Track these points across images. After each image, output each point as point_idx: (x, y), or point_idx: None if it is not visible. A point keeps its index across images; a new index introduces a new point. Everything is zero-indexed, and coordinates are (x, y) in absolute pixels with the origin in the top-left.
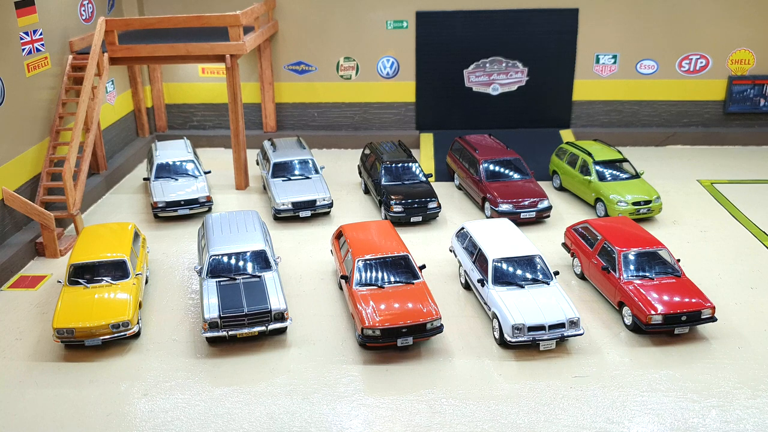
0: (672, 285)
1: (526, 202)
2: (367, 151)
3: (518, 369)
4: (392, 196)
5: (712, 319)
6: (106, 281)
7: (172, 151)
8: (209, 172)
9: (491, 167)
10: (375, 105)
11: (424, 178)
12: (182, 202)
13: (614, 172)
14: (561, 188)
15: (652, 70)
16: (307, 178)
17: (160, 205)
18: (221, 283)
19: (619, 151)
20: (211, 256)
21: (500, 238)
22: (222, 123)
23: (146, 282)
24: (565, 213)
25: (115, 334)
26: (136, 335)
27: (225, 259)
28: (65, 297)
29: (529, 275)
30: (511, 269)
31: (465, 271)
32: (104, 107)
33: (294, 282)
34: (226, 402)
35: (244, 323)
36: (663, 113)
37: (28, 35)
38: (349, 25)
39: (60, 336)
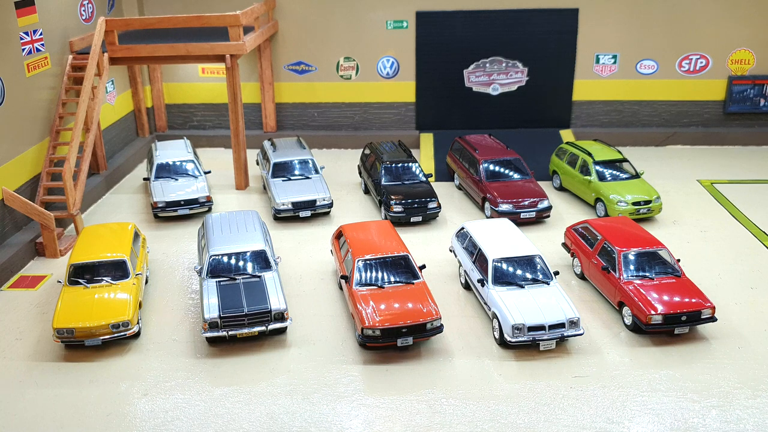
0: (672, 285)
1: (526, 202)
2: (367, 151)
3: (518, 369)
4: (392, 196)
5: (712, 319)
6: (106, 281)
7: (172, 151)
8: (209, 172)
9: (491, 167)
10: (375, 105)
11: (424, 178)
12: (182, 202)
13: (614, 172)
14: (561, 188)
15: (652, 70)
16: (307, 178)
17: (160, 205)
18: (221, 283)
19: (619, 151)
20: (211, 256)
21: (500, 238)
22: (222, 123)
23: (146, 282)
24: (565, 213)
25: (115, 334)
26: (136, 335)
27: (225, 259)
28: (65, 297)
29: (529, 275)
30: (511, 269)
31: (465, 271)
32: (104, 107)
33: (294, 282)
34: (226, 402)
35: (244, 323)
36: (663, 113)
37: (28, 35)
38: (349, 25)
39: (60, 336)
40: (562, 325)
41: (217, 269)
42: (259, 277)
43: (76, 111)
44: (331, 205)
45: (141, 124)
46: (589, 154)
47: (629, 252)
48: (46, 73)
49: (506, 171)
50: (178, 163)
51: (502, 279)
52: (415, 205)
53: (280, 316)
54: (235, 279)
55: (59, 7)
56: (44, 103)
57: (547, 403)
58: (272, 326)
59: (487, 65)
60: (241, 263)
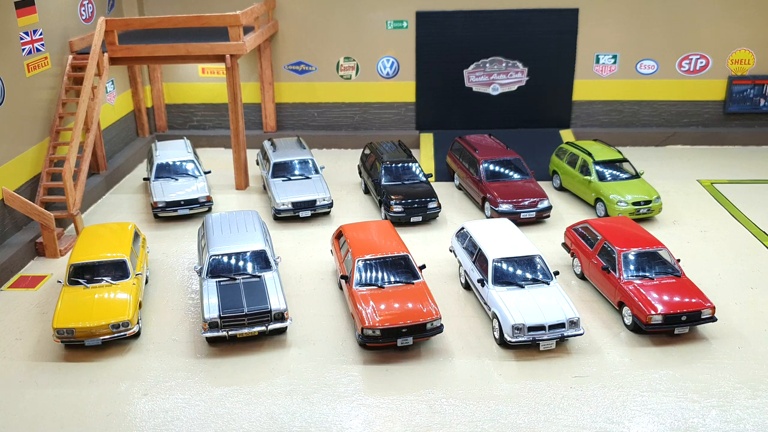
0: (672, 285)
1: (526, 202)
2: (367, 151)
3: (518, 369)
4: (392, 196)
5: (712, 319)
6: (106, 281)
7: (172, 151)
8: (209, 172)
9: (491, 167)
10: (375, 105)
11: (424, 178)
12: (182, 202)
13: (614, 172)
14: (561, 188)
15: (652, 70)
16: (307, 178)
17: (160, 205)
18: (221, 283)
19: (619, 151)
20: (211, 256)
21: (500, 238)
22: (222, 123)
23: (146, 282)
24: (565, 213)
25: (115, 334)
26: (136, 335)
27: (225, 259)
28: (65, 297)
29: (529, 275)
30: (511, 269)
31: (465, 271)
32: (104, 107)
33: (294, 282)
34: (226, 402)
35: (244, 323)
36: (663, 113)
37: (28, 35)
38: (349, 25)
39: (60, 336)
40: (562, 325)
41: (217, 269)
42: (259, 277)
43: (76, 111)
44: (331, 205)
45: (141, 124)
46: (589, 154)
47: (629, 252)
48: (46, 73)
49: (506, 171)
50: (178, 163)
51: (502, 279)
52: (415, 205)
53: (280, 316)
54: (235, 279)
55: (59, 7)
56: (44, 103)
57: (547, 403)
58: (272, 326)
59: (487, 65)
60: (241, 263)
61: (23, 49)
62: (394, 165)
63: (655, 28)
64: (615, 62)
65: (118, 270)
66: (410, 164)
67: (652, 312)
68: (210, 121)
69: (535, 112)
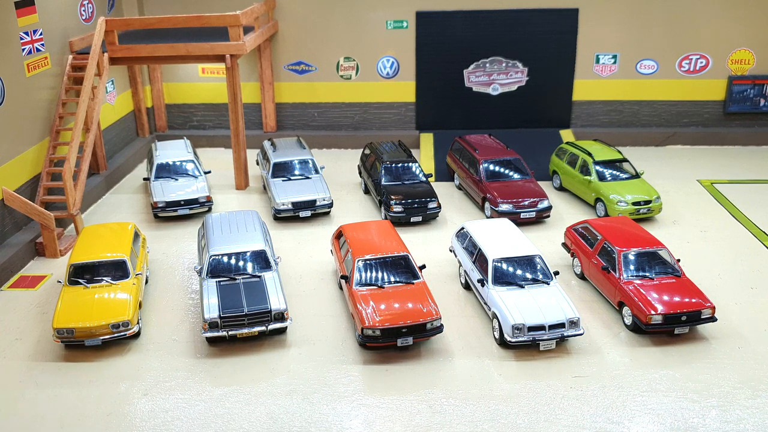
0: (672, 285)
1: (526, 202)
2: (367, 151)
3: (518, 369)
4: (392, 196)
5: (712, 319)
6: (106, 281)
7: (172, 151)
8: (209, 172)
9: (491, 167)
10: (375, 105)
11: (424, 178)
12: (182, 202)
13: (614, 172)
14: (561, 188)
15: (652, 70)
16: (307, 178)
17: (160, 205)
18: (221, 283)
19: (619, 151)
20: (211, 256)
21: (500, 238)
22: (222, 123)
23: (146, 282)
24: (565, 213)
25: (115, 334)
26: (136, 335)
27: (225, 259)
28: (65, 297)
29: (529, 275)
30: (511, 269)
31: (465, 271)
32: (104, 107)
33: (294, 282)
34: (226, 402)
35: (244, 323)
36: (663, 113)
37: (28, 35)
38: (349, 25)
39: (60, 336)
40: (562, 325)
41: (217, 269)
42: (259, 277)
43: (76, 111)
44: (331, 205)
45: (141, 124)
46: (589, 154)
47: (629, 252)
48: (46, 73)
49: (506, 171)
50: (178, 163)
51: (502, 279)
52: (415, 205)
53: (280, 316)
54: (235, 279)
55: (59, 7)
56: (44, 103)
57: (547, 403)
58: (272, 326)
59: (487, 65)
60: (241, 263)
61: (23, 49)
62: (394, 165)
63: (655, 28)
64: (615, 62)
65: (118, 270)
66: (410, 164)
67: (652, 312)
68: (210, 121)
69: (535, 112)
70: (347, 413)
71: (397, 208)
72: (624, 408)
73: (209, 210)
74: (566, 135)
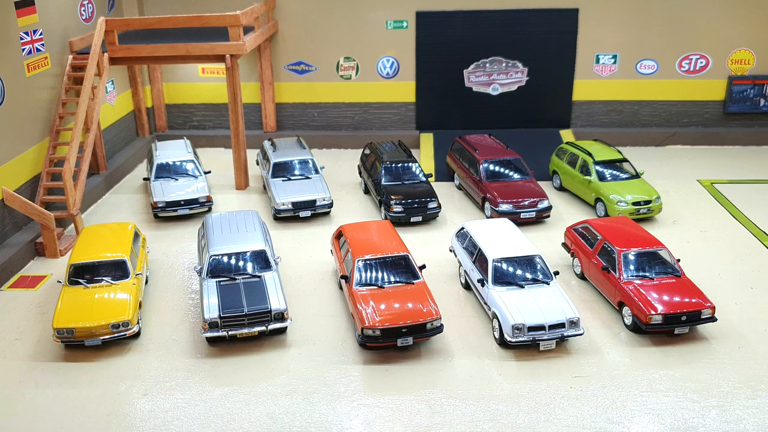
0: (672, 285)
1: (526, 202)
2: (367, 151)
3: (518, 369)
4: (392, 196)
5: (712, 319)
6: (106, 281)
7: (172, 151)
8: (209, 172)
9: (491, 167)
10: (375, 105)
11: (424, 178)
12: (182, 202)
13: (614, 172)
14: (561, 188)
15: (652, 70)
16: (307, 178)
17: (160, 205)
18: (221, 283)
19: (619, 151)
20: (211, 256)
21: (500, 238)
22: (222, 123)
23: (146, 282)
24: (565, 213)
25: (115, 334)
26: (136, 335)
27: (225, 259)
28: (65, 297)
29: (529, 275)
30: (511, 269)
31: (465, 271)
32: (104, 107)
33: (294, 282)
34: (226, 402)
35: (244, 323)
36: (663, 113)
37: (28, 35)
38: (349, 25)
39: (60, 336)
40: (562, 325)
41: (217, 269)
42: (259, 277)
43: (76, 111)
44: (331, 205)
45: (141, 124)
46: (589, 154)
47: (629, 252)
48: (46, 73)
49: (506, 171)
50: (178, 163)
51: (502, 279)
52: (415, 205)
53: (280, 316)
54: (235, 279)
55: (59, 7)
56: (44, 103)
57: (547, 403)
58: (272, 326)
59: (487, 65)
60: (241, 263)
61: (23, 49)
62: (394, 165)
63: (655, 28)
64: (615, 62)
65: (118, 270)
66: (410, 164)
67: (652, 312)
68: (210, 121)
69: (535, 112)
70: (347, 413)
71: (397, 208)
72: (624, 408)
73: (209, 210)
74: (566, 135)
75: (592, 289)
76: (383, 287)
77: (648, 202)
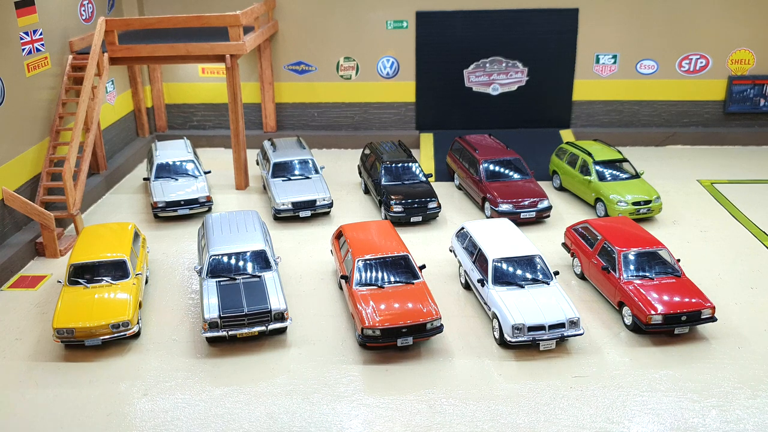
0: (672, 285)
1: (526, 202)
2: (367, 151)
3: (518, 369)
4: (392, 196)
5: (712, 319)
6: (106, 281)
7: (172, 151)
8: (209, 172)
9: (491, 167)
10: (375, 105)
11: (424, 178)
12: (182, 202)
13: (614, 172)
14: (561, 188)
15: (652, 70)
16: (307, 178)
17: (160, 205)
18: (221, 283)
19: (619, 151)
20: (211, 256)
21: (500, 238)
22: (222, 123)
23: (146, 282)
24: (565, 213)
25: (115, 334)
26: (136, 335)
27: (225, 259)
28: (65, 297)
29: (529, 275)
30: (511, 269)
31: (465, 271)
32: (104, 107)
33: (294, 282)
34: (226, 402)
35: (244, 323)
36: (663, 113)
37: (28, 35)
38: (349, 25)
39: (60, 336)
40: (562, 325)
41: (217, 269)
42: (259, 277)
43: (76, 111)
44: (331, 205)
45: (141, 124)
46: (589, 154)
47: (629, 252)
48: (46, 73)
49: (506, 171)
50: (178, 163)
51: (502, 279)
52: (415, 205)
53: (280, 316)
54: (235, 279)
55: (59, 7)
56: (44, 103)
57: (547, 403)
58: (272, 326)
59: (487, 65)
60: (241, 263)
61: (23, 49)
62: (394, 165)
63: (655, 28)
64: (615, 62)
65: (118, 270)
66: (410, 164)
67: (652, 312)
68: (210, 121)
69: (535, 112)
70: (347, 413)
71: (397, 208)
72: (624, 408)
73: (209, 210)
74: (566, 135)
75: (592, 289)
76: (383, 287)
77: (648, 202)
